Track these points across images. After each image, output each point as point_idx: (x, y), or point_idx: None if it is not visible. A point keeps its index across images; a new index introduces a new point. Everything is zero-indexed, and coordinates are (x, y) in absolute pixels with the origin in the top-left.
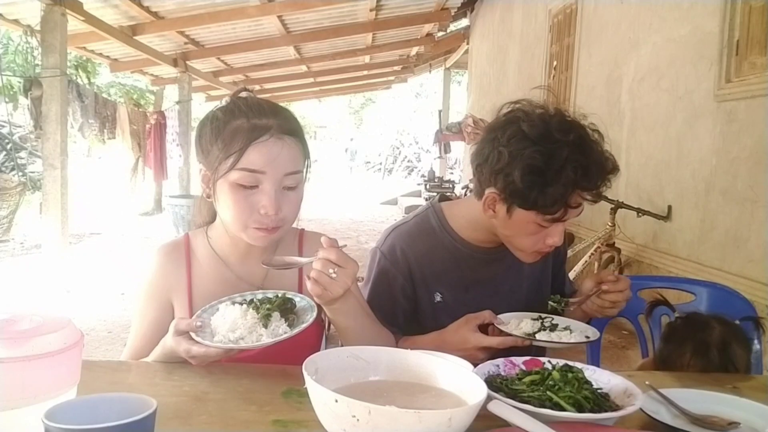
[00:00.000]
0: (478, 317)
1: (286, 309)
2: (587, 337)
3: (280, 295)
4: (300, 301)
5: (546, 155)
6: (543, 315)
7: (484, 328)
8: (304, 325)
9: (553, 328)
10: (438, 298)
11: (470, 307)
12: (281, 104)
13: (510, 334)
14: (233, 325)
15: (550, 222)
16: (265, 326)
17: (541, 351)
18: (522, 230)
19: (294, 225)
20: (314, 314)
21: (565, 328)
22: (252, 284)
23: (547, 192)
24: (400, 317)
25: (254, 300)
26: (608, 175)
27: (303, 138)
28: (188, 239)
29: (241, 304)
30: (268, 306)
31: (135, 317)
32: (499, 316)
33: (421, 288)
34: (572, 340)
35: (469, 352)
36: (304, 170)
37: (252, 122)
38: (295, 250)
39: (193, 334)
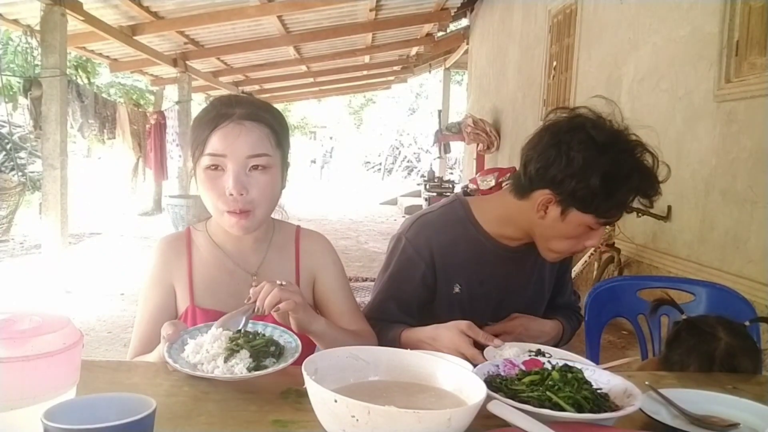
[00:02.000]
0: (476, 334)
1: (267, 351)
2: None
3: (267, 334)
4: (289, 342)
5: (616, 162)
6: (543, 349)
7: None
8: (266, 371)
9: None
10: (456, 289)
11: (480, 301)
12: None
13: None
14: (197, 347)
15: (603, 225)
16: (226, 360)
17: None
18: (569, 232)
19: (291, 222)
20: (290, 360)
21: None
22: (247, 271)
23: (614, 198)
24: (415, 305)
25: (244, 332)
26: (662, 181)
27: (274, 126)
28: (189, 231)
29: (233, 331)
30: (239, 341)
31: (139, 305)
32: (505, 344)
33: (441, 278)
34: None
35: (451, 352)
36: (279, 158)
37: (218, 112)
38: (292, 246)
39: (164, 345)
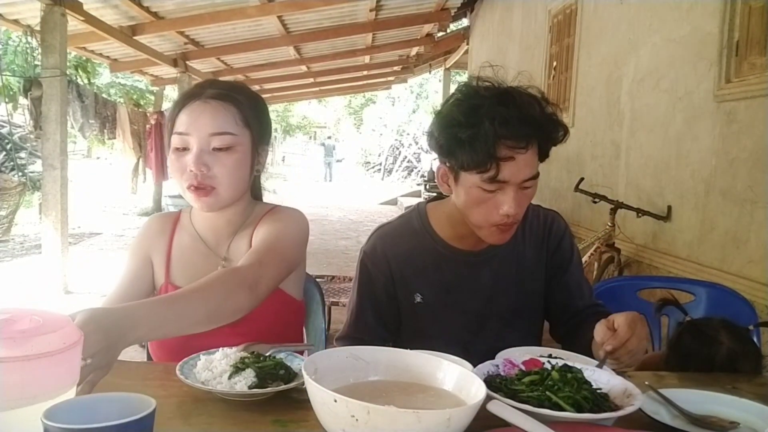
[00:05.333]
0: None
1: (275, 374)
2: None
3: (278, 358)
4: (297, 366)
5: (465, 111)
6: (554, 353)
7: None
8: (264, 390)
9: None
10: (418, 298)
11: (452, 308)
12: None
13: None
14: (207, 363)
15: (490, 183)
16: (231, 377)
17: None
18: (471, 199)
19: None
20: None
21: None
22: (219, 255)
23: (474, 147)
24: (388, 317)
25: (258, 354)
26: (536, 122)
27: (242, 106)
28: (179, 214)
29: (251, 353)
30: (246, 360)
31: (120, 270)
32: (516, 350)
33: (401, 288)
34: None
35: None
36: (247, 138)
37: (189, 93)
38: (255, 225)
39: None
